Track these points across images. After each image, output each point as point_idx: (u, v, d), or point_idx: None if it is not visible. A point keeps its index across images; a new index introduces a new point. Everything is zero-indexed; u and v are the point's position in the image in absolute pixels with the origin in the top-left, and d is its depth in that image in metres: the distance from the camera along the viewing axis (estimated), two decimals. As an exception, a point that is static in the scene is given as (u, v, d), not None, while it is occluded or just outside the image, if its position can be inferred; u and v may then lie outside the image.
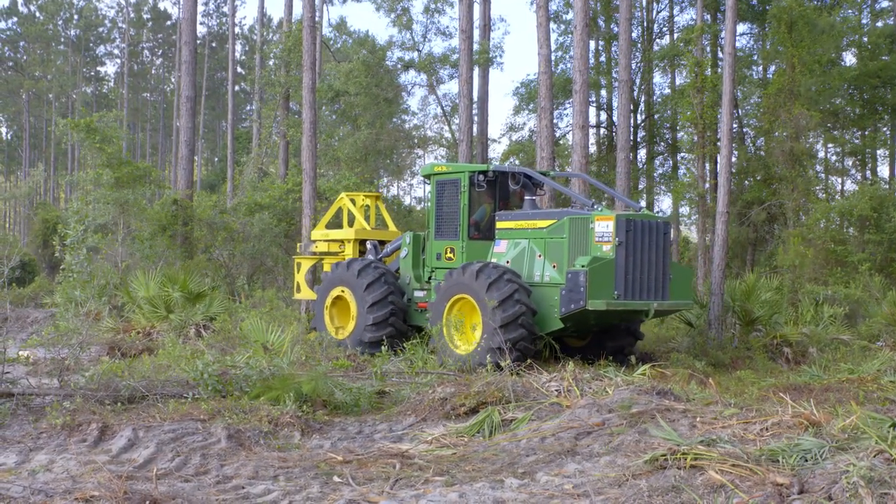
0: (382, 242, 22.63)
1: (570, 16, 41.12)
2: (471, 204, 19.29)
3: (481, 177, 19.12)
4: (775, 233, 34.53)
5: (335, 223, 25.30)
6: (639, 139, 41.65)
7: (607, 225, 17.08)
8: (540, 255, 17.96)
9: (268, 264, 32.65)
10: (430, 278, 19.98)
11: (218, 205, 36.02)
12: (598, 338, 18.99)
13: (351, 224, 23.63)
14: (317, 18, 45.92)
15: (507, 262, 18.36)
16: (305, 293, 23.79)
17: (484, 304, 17.29)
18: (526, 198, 19.30)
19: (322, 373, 13.48)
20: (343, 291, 20.68)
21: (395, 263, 21.40)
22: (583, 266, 16.80)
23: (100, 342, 19.53)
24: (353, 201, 23.74)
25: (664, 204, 45.50)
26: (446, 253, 19.55)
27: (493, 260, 18.59)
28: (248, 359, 13.96)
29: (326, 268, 22.78)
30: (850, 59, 40.23)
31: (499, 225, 18.97)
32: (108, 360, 16.77)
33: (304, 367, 14.48)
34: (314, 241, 23.75)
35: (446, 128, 46.71)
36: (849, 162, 42.58)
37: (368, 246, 22.47)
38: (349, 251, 22.76)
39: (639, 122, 41.45)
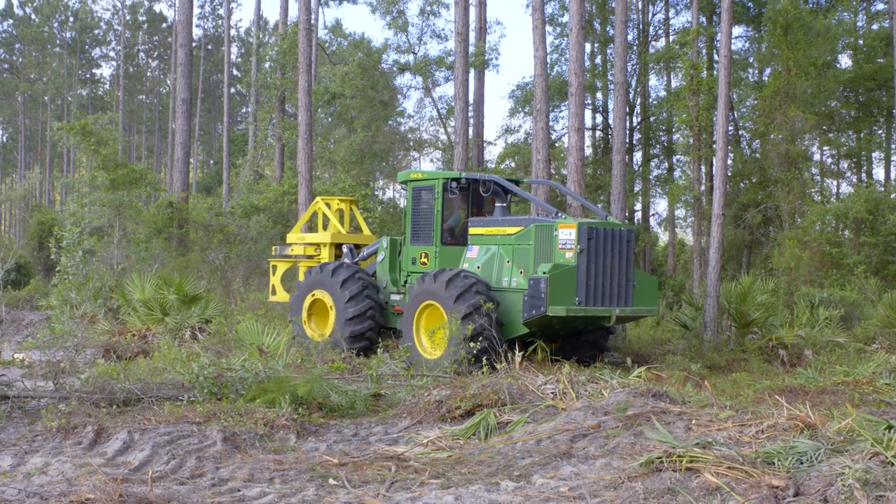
0: (358, 246, 22.96)
1: (565, 19, 41.13)
2: (444, 210, 19.77)
3: (454, 184, 19.64)
4: (771, 235, 34.53)
5: (311, 227, 25.54)
6: (634, 142, 41.65)
7: (570, 232, 17.53)
8: (508, 261, 18.46)
9: (264, 267, 32.63)
10: (405, 282, 20.39)
11: (214, 207, 36.03)
12: (567, 345, 19.24)
13: (326, 228, 23.85)
14: (312, 21, 46.05)
15: (478, 267, 18.87)
16: (280, 296, 24.02)
17: (451, 313, 17.61)
18: (497, 205, 19.75)
19: (318, 375, 13.47)
20: (320, 294, 20.99)
21: (371, 267, 21.82)
22: (544, 273, 17.26)
23: (95, 345, 19.54)
24: (328, 205, 24.09)
25: (660, 207, 45.52)
26: (421, 257, 20.03)
27: (465, 265, 19.10)
28: (243, 361, 13.95)
29: (301, 277, 23.12)
30: (845, 61, 40.30)
31: (471, 231, 19.46)
32: (103, 362, 16.74)
33: (300, 370, 14.48)
34: (290, 245, 23.98)
35: (442, 130, 46.69)
36: (844, 164, 42.58)
37: (344, 249, 22.77)
38: (325, 254, 23.11)
39: (634, 124, 41.45)
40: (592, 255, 17.55)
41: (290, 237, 24.18)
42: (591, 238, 17.55)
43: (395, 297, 20.52)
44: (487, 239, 18.98)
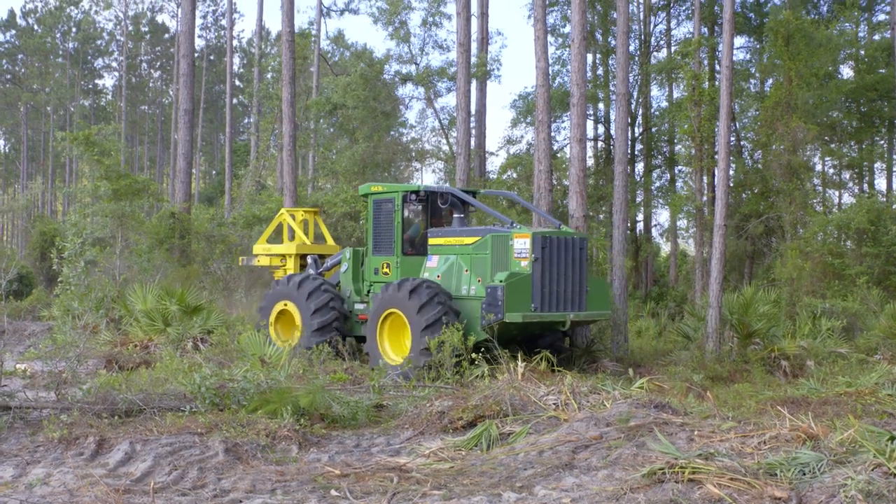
0: (322, 256, 23.63)
1: (567, 29, 41.16)
2: (404, 222, 20.52)
3: (413, 196, 20.50)
4: (773, 246, 34.52)
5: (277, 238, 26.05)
6: (636, 152, 41.63)
7: (525, 242, 18.32)
8: (467, 270, 19.15)
9: (266, 277, 32.63)
10: (368, 291, 21.10)
11: (216, 218, 36.04)
12: (526, 349, 19.51)
13: (291, 239, 24.61)
14: (314, 31, 46.14)
15: (438, 276, 19.54)
16: None
17: (413, 322, 18.42)
18: (455, 216, 20.35)
19: (319, 386, 13.47)
20: (286, 305, 21.53)
21: (335, 277, 22.39)
22: (501, 281, 17.99)
23: (97, 355, 19.52)
24: (293, 216, 24.84)
25: (662, 217, 45.48)
26: (383, 268, 20.77)
27: (426, 274, 19.75)
28: (245, 372, 13.95)
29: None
30: (847, 72, 40.28)
31: (430, 241, 20.16)
32: (105, 373, 16.75)
33: (302, 381, 14.47)
34: (256, 255, 24.44)
35: (444, 141, 46.69)
36: (846, 175, 42.56)
37: (309, 260, 23.42)
38: (290, 265, 23.84)
39: (636, 135, 41.43)
40: (547, 263, 18.39)
41: (256, 248, 24.94)
42: (545, 247, 18.38)
43: (358, 307, 21.20)
44: (446, 249, 19.70)
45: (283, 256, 24.09)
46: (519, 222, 21.72)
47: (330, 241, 25.17)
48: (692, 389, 16.14)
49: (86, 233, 21.17)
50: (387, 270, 20.60)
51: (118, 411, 12.33)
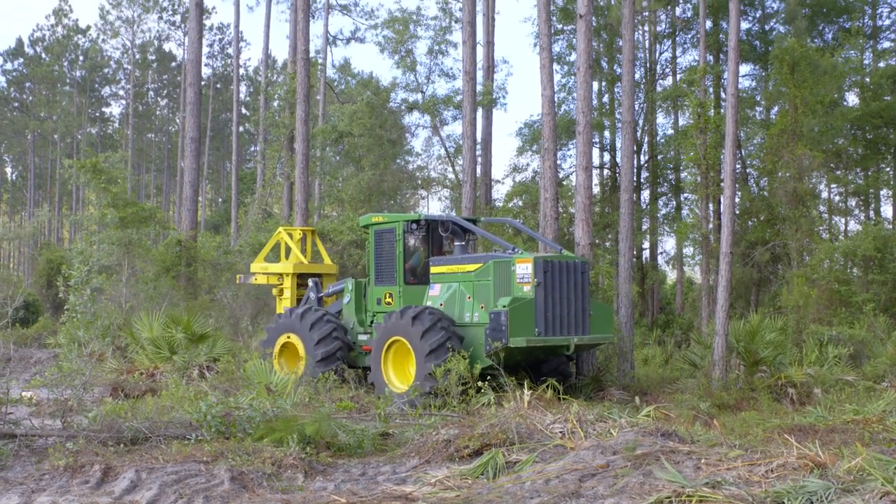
0: (320, 276, 23.76)
1: (573, 57, 41.23)
2: (406, 251, 20.57)
3: (414, 225, 20.65)
4: (779, 273, 34.47)
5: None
6: (642, 180, 41.68)
7: (527, 267, 18.37)
8: (469, 297, 19.13)
9: (271, 305, 32.63)
10: (372, 322, 21.10)
11: (222, 245, 36.07)
12: (531, 374, 19.59)
13: (288, 257, 24.71)
14: (321, 60, 46.28)
15: (441, 304, 19.54)
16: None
17: (418, 349, 18.48)
18: (456, 243, 20.58)
19: (325, 414, 13.46)
20: (290, 337, 21.57)
21: (336, 305, 22.47)
22: (504, 306, 18.03)
23: (103, 383, 19.52)
24: (290, 235, 24.92)
25: (668, 245, 45.60)
26: (385, 298, 20.82)
27: (429, 303, 19.73)
28: (251, 400, 13.93)
29: (278, 309, 24.03)
30: (852, 99, 40.30)
31: (432, 270, 20.22)
32: (111, 401, 16.74)
33: (308, 409, 14.46)
34: (253, 273, 24.51)
35: (450, 169, 46.68)
36: (852, 202, 42.52)
37: (310, 283, 23.48)
38: (287, 284, 23.99)
39: (642, 162, 41.49)
40: (549, 287, 18.40)
41: (254, 266, 25.00)
42: (547, 271, 18.40)
43: (362, 338, 21.25)
44: (448, 277, 19.72)
45: (281, 275, 24.17)
46: (524, 249, 21.71)
47: (327, 260, 25.30)
48: (699, 417, 16.08)
49: (92, 260, 21.26)
50: (389, 300, 20.63)
51: (124, 439, 12.32)
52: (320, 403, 15.80)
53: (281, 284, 24.11)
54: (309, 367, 20.53)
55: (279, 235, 24.93)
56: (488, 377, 17.80)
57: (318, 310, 21.44)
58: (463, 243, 20.52)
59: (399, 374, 19.44)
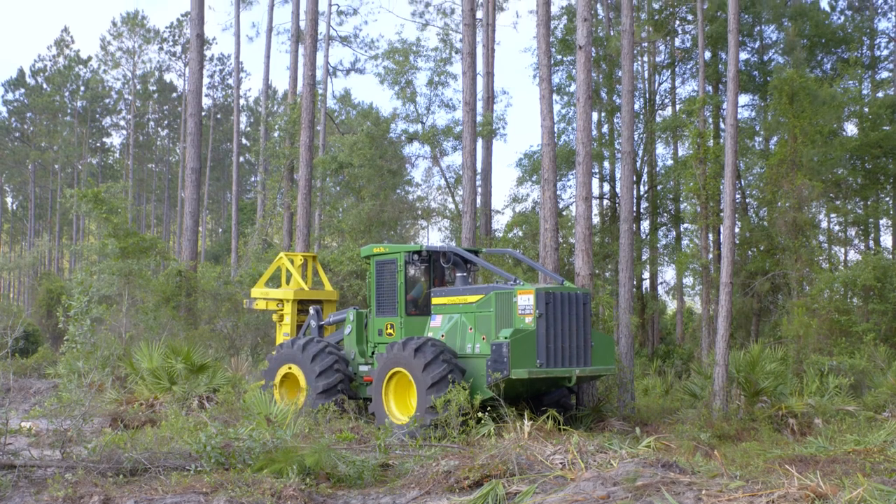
0: (320, 302, 23.77)
1: (572, 88, 41.40)
2: (407, 282, 20.47)
3: (415, 256, 20.55)
4: (779, 303, 34.45)
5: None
6: (642, 210, 41.75)
7: (528, 298, 18.29)
8: (471, 329, 19.09)
9: (272, 335, 32.61)
10: (373, 353, 21.00)
11: (222, 276, 36.07)
12: (533, 406, 19.53)
13: (289, 283, 24.64)
14: (321, 91, 46.39)
15: (442, 335, 19.49)
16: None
17: (419, 381, 18.39)
18: (458, 274, 20.55)
19: (325, 445, 13.43)
20: (290, 368, 21.45)
21: (337, 335, 22.44)
22: (505, 338, 17.94)
23: (102, 413, 19.51)
24: (291, 261, 24.86)
25: (668, 275, 45.54)
26: (387, 329, 20.75)
27: (430, 334, 19.72)
28: (251, 431, 13.91)
29: (278, 339, 24.03)
30: (851, 129, 40.37)
31: (434, 301, 20.20)
32: (110, 431, 16.71)
33: (308, 440, 14.44)
34: (255, 299, 24.48)
35: (450, 199, 46.78)
36: (852, 232, 42.56)
37: (311, 311, 23.42)
38: (287, 310, 23.88)
39: (642, 192, 41.57)
40: (551, 318, 18.32)
41: (255, 291, 24.96)
42: (549, 302, 18.32)
43: (363, 368, 21.11)
44: (450, 308, 19.69)
45: (281, 301, 24.10)
46: (525, 280, 21.70)
47: (328, 286, 25.28)
48: (699, 448, 16.06)
49: (92, 291, 21.26)
50: (391, 331, 20.56)
51: (123, 470, 12.30)
52: (320, 434, 15.79)
53: (281, 310, 24.05)
54: (310, 398, 20.45)
55: (280, 261, 24.90)
56: (488, 408, 17.78)
57: (319, 341, 21.37)
58: (464, 274, 20.48)
59: (400, 405, 19.35)
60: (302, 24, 42.94)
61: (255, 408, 17.84)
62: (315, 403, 19.92)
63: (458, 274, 20.46)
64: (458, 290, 19.74)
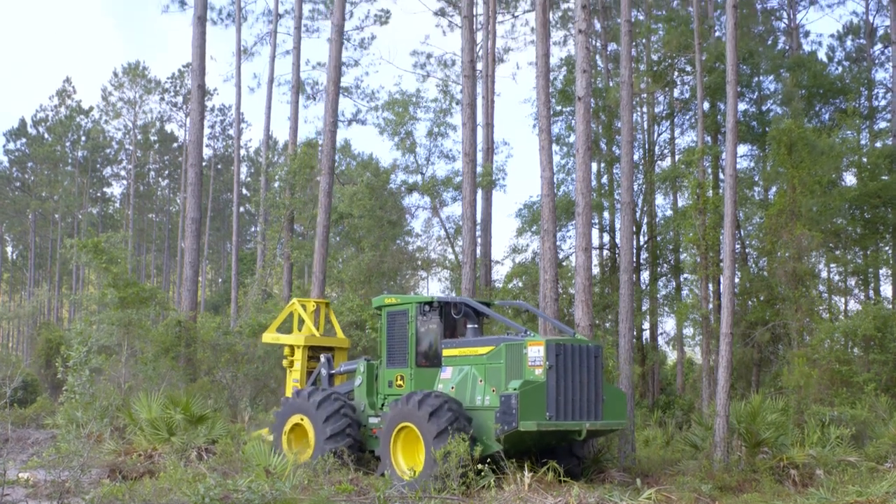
0: (332, 349, 23.63)
1: (572, 139, 41.55)
2: (418, 333, 20.34)
3: (427, 307, 20.40)
4: (780, 353, 34.39)
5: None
6: (642, 260, 41.78)
7: (539, 350, 18.02)
8: (481, 381, 18.86)
9: (271, 386, 32.54)
10: (383, 405, 20.83)
11: (222, 326, 36.03)
12: (542, 459, 19.25)
13: (301, 329, 24.51)
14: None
15: (452, 387, 19.29)
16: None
17: (426, 432, 18.10)
18: (468, 326, 20.34)
19: (324, 497, 13.39)
20: (302, 420, 21.19)
21: (347, 385, 22.27)
22: (514, 389, 17.67)
23: (101, 464, 19.40)
24: (303, 307, 24.73)
25: (668, 325, 45.55)
26: (397, 380, 20.60)
27: (440, 386, 19.56)
28: (250, 483, 13.86)
29: (287, 391, 23.66)
30: (850, 179, 40.47)
31: (444, 352, 19.99)
32: (108, 482, 16.64)
33: (307, 492, 14.38)
34: (266, 344, 24.46)
35: (450, 250, 46.76)
36: (851, 281, 42.52)
37: (322, 359, 23.31)
38: (298, 356, 23.71)
39: (642, 243, 41.62)
40: (561, 370, 18.04)
41: (266, 337, 24.90)
42: (560, 354, 18.05)
43: (373, 420, 20.92)
44: (460, 360, 19.49)
45: (292, 347, 23.96)
46: (535, 332, 21.59)
47: (340, 333, 25.06)
48: (701, 500, 15.99)
49: (91, 341, 21.29)
50: (401, 383, 20.39)
51: (121, 522, 12.23)
52: (319, 486, 15.73)
53: (291, 357, 23.91)
54: (318, 443, 20.26)
55: (293, 306, 24.79)
56: (488, 459, 17.67)
57: (325, 390, 21.27)
58: (476, 326, 20.28)
59: (408, 459, 19.04)
60: (303, 76, 43.22)
61: (254, 459, 17.79)
62: (323, 448, 19.81)
63: (469, 325, 20.29)
64: (468, 342, 19.59)
